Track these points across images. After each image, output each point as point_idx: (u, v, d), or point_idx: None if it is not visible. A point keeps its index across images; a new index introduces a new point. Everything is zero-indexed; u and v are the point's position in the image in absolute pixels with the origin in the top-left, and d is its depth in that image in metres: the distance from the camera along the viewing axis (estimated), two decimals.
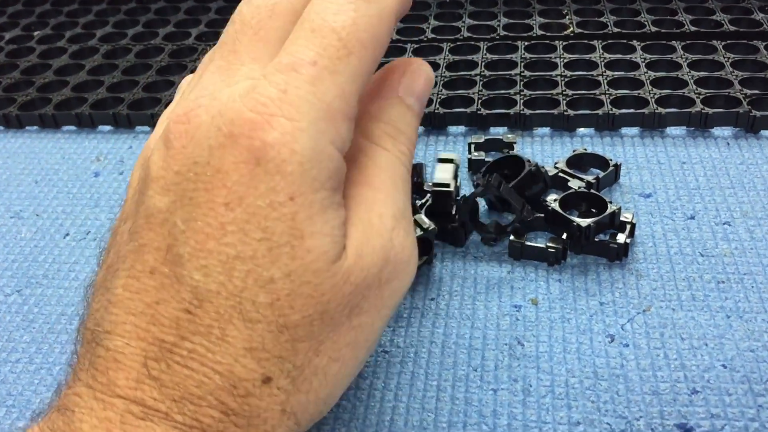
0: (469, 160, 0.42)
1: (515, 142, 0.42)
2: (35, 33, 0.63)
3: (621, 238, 0.35)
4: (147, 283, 0.22)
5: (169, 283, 0.22)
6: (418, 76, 0.26)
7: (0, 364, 0.33)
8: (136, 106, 0.51)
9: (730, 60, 0.49)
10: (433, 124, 0.47)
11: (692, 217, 0.37)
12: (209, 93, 0.23)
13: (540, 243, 0.35)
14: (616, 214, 0.35)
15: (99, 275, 0.25)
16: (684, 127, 0.45)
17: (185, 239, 0.22)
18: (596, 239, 0.35)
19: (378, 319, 0.24)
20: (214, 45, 0.25)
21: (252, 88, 0.22)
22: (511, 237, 0.35)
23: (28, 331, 0.34)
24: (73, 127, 0.51)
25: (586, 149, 0.42)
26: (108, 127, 0.51)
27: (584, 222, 0.35)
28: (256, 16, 0.24)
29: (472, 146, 0.43)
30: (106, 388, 0.22)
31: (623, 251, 0.35)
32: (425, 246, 0.34)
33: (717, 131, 0.44)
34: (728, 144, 0.43)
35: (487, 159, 0.41)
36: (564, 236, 0.35)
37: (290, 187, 0.22)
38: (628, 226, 0.35)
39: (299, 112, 0.22)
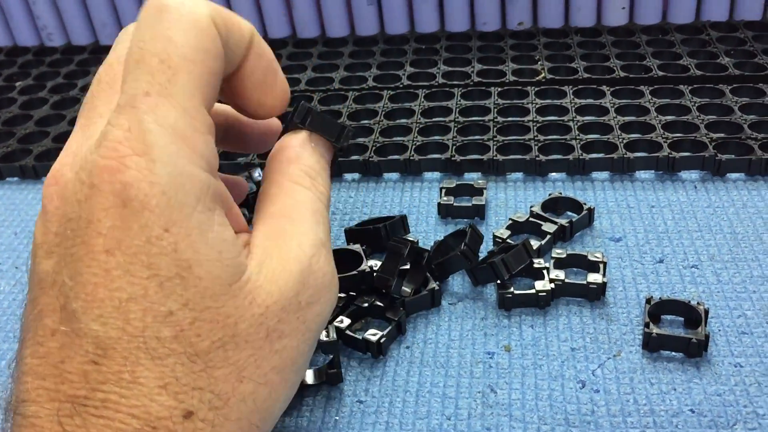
0: (439, 204, 0.43)
1: (485, 188, 0.43)
2: (17, 84, 0.64)
3: (598, 278, 0.36)
4: (50, 346, 0.22)
5: (70, 340, 0.22)
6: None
7: None
8: None
9: (696, 104, 0.51)
10: (408, 170, 0.48)
11: (661, 261, 0.38)
12: (72, 151, 0.24)
13: (527, 290, 0.36)
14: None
15: (17, 351, 0.25)
16: (652, 171, 0.46)
17: (75, 294, 0.22)
18: (573, 281, 0.36)
19: (302, 342, 0.25)
20: None
21: (103, 136, 0.23)
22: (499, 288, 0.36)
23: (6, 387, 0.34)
24: None
25: (561, 193, 0.43)
26: None
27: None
28: (110, 72, 0.25)
29: (443, 191, 0.44)
30: None
31: (602, 290, 0.36)
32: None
33: (684, 174, 0.45)
34: (695, 187, 0.44)
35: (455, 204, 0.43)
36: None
37: (161, 219, 0.22)
38: (601, 266, 0.36)
39: (146, 144, 0.22)
